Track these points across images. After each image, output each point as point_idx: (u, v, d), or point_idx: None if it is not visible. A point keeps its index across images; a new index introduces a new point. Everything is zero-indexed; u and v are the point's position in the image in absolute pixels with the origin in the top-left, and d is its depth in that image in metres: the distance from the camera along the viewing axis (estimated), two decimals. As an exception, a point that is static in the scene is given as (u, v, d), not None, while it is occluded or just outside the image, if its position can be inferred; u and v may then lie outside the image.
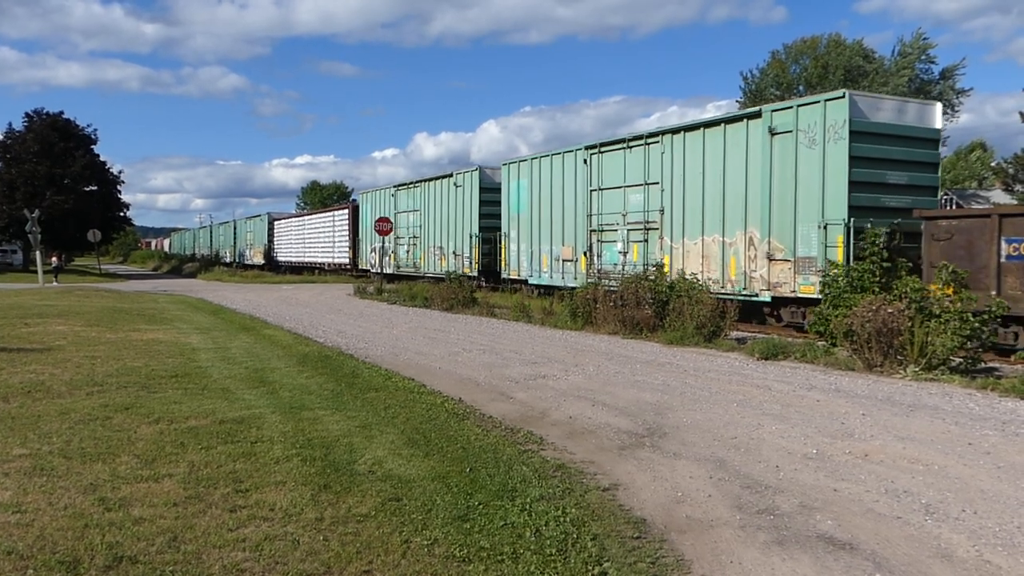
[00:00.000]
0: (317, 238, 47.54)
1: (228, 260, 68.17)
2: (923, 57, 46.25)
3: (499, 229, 25.44)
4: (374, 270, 35.67)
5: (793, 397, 8.73)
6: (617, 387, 9.46)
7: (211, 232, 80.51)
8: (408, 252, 32.83)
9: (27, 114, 54.20)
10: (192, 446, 6.41)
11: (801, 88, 47.92)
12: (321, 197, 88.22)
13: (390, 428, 7.21)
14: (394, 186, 34.52)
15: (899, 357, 10.18)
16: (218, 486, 5.36)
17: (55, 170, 51.18)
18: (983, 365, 10.39)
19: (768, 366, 11.09)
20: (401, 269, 33.26)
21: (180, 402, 8.25)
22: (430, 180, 30.89)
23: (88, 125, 55.57)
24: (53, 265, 42.86)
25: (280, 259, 55.39)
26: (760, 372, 10.54)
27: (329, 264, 45.24)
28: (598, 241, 20.02)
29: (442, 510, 4.93)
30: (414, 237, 32.14)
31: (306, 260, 49.53)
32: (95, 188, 53.69)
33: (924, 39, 46.52)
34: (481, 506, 5.01)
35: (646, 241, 18.22)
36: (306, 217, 52.16)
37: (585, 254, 20.00)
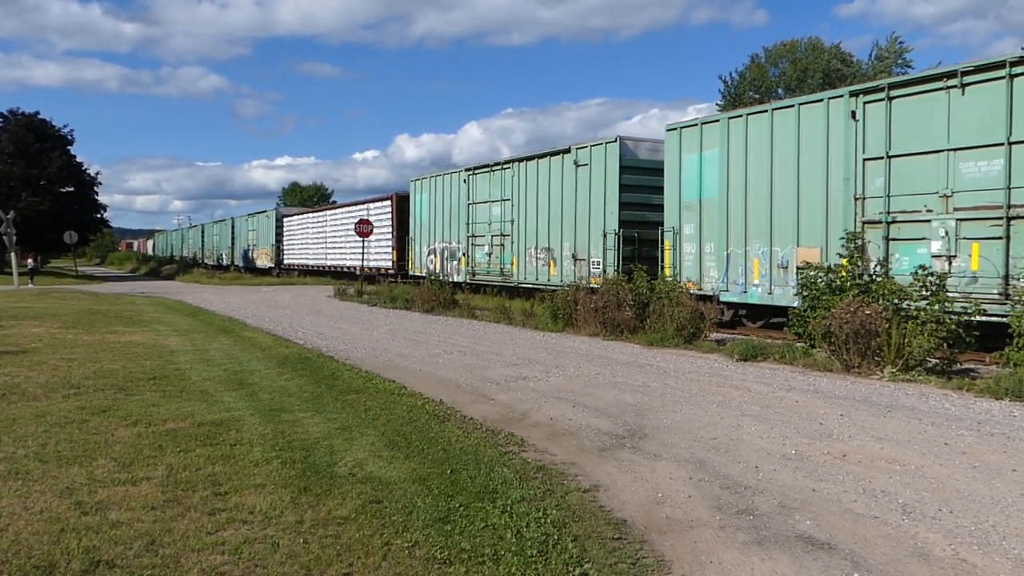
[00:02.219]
0: (344, 237, 38.95)
1: (225, 263, 61.06)
2: (899, 61, 46.82)
3: (649, 223, 18.45)
4: (434, 277, 27.21)
5: (772, 398, 8.79)
6: (598, 388, 9.48)
7: (202, 231, 72.62)
8: (491, 255, 24.61)
9: (2, 114, 53.59)
10: (170, 449, 6.36)
11: (780, 91, 48.30)
12: (301, 198, 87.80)
13: (370, 430, 7.19)
14: (467, 169, 26.12)
15: (876, 358, 10.28)
16: (197, 489, 5.32)
17: (30, 171, 50.62)
18: (959, 366, 10.50)
19: (747, 367, 11.16)
20: (479, 277, 25.40)
21: (158, 405, 8.18)
22: (529, 159, 22.77)
23: (64, 126, 55.12)
24: (29, 267, 42.36)
25: (292, 262, 47.96)
26: (739, 373, 10.60)
27: (362, 268, 37.16)
28: (883, 239, 12.88)
29: (423, 512, 4.92)
30: (501, 235, 23.95)
31: (328, 263, 41.33)
32: (71, 189, 53.14)
33: (900, 43, 47.10)
34: (462, 508, 5.01)
35: (1003, 238, 11.23)
36: (329, 212, 43.01)
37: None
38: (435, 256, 28.48)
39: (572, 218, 20.65)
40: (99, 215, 58.84)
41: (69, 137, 54.89)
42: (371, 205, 36.27)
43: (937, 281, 10.44)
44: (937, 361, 10.15)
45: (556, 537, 4.54)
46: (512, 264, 23.46)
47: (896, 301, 10.54)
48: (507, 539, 4.50)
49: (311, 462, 6.03)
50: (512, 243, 23.55)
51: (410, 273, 30.59)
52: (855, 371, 10.35)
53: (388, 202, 33.97)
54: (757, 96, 48.08)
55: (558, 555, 4.29)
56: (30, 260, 44.04)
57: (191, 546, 4.35)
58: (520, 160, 23.25)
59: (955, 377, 9.77)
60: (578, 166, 20.40)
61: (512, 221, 23.54)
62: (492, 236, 24.60)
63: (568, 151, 20.86)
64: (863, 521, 4.87)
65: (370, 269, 35.60)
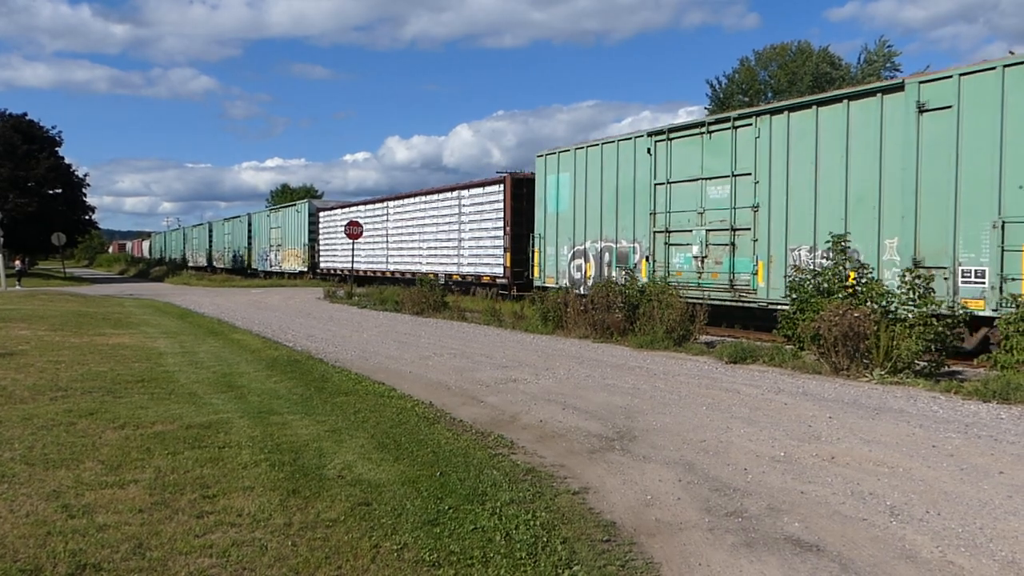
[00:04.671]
0: (419, 235, 30.73)
1: (240, 266, 54.21)
2: (888, 65, 47.07)
3: None
4: (581, 290, 18.61)
5: (761, 400, 8.81)
6: (587, 391, 9.49)
7: (209, 230, 64.80)
8: (705, 259, 16.20)
9: (-11, 115, 53.40)
10: (158, 451, 6.33)
11: (769, 95, 48.48)
12: (290, 200, 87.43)
13: (360, 432, 7.17)
14: (652, 133, 17.73)
15: (865, 361, 10.32)
16: (185, 492, 5.30)
17: (18, 172, 50.42)
18: (947, 368, 10.56)
19: (737, 370, 11.18)
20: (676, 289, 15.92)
21: (146, 407, 8.14)
22: (796, 108, 14.52)
23: (53, 127, 55.25)
24: (16, 269, 42.16)
25: (332, 265, 39.53)
26: (729, 376, 10.62)
27: (451, 275, 27.71)
28: None
29: (412, 515, 4.91)
30: (732, 230, 15.57)
31: (392, 268, 33.03)
32: (60, 191, 52.98)
33: (888, 47, 47.37)
34: (451, 510, 5.00)
35: None
36: (394, 203, 33.55)
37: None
38: (586, 260, 19.95)
39: (908, 199, 12.49)
40: (87, 217, 58.77)
41: (57, 138, 54.88)
42: (465, 192, 27.29)
43: (924, 283, 10.49)
44: (925, 364, 10.20)
45: (545, 539, 4.54)
46: (756, 273, 15.05)
47: (884, 304, 10.59)
48: (496, 541, 4.49)
49: (300, 464, 6.02)
50: (755, 241, 15.20)
51: (537, 283, 21.92)
52: (844, 373, 10.39)
53: (498, 187, 24.92)
54: (746, 100, 48.24)
55: (547, 557, 4.29)
56: (17, 262, 43.84)
57: (179, 549, 4.33)
58: (774, 111, 14.96)
59: (943, 379, 9.81)
60: (924, 111, 12.31)
61: (755, 207, 15.18)
62: (708, 231, 16.22)
63: (899, 88, 12.76)
64: (851, 523, 4.89)
65: (463, 277, 27.23)
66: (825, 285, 11.60)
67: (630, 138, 18.43)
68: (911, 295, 10.43)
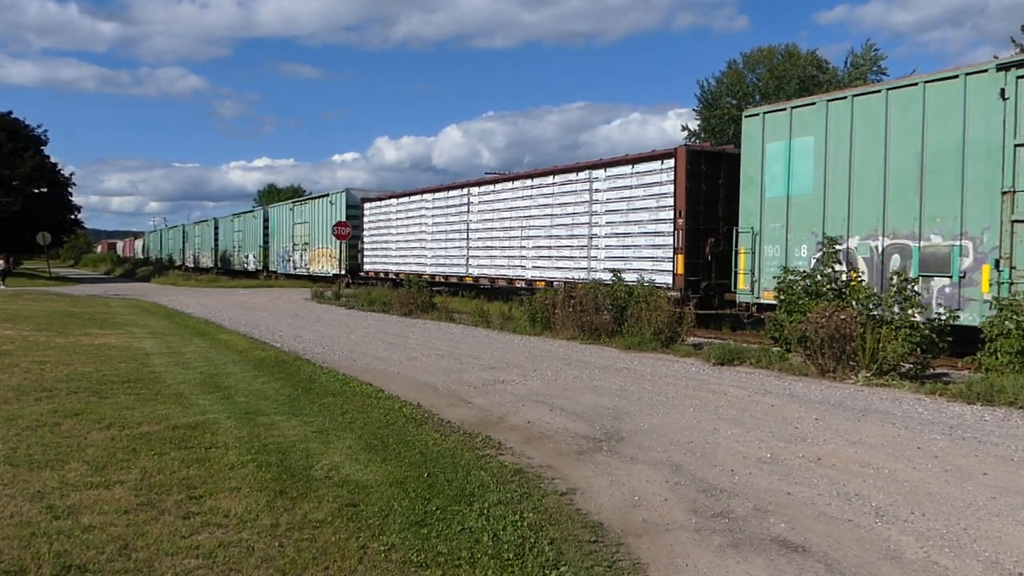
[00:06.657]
0: (521, 230, 22.84)
1: (252, 268, 48.41)
2: (874, 68, 47.29)
3: None
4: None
5: (748, 402, 8.85)
6: (575, 392, 9.50)
7: (215, 227, 57.90)
8: None
9: (-27, 114, 52.95)
10: (144, 452, 6.30)
11: (757, 97, 48.66)
12: (278, 201, 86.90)
13: (347, 433, 7.16)
14: (1009, 63, 11.07)
15: (851, 363, 10.37)
16: (171, 493, 5.28)
17: (2, 171, 49.99)
18: (932, 371, 10.62)
19: (724, 371, 11.22)
20: None
21: (132, 408, 8.10)
22: None
23: (39, 125, 54.65)
24: (0, 268, 41.82)
25: (383, 268, 32.00)
26: (716, 377, 10.66)
27: (576, 285, 17.90)
28: None
29: (399, 515, 4.91)
30: None
31: (473, 273, 25.41)
32: (45, 190, 52.58)
33: (875, 51, 47.61)
34: (439, 511, 5.00)
35: None
36: (476, 189, 25.66)
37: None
38: (850, 265, 12.90)
39: None
40: (73, 216, 58.31)
41: (43, 137, 54.41)
42: (601, 173, 19.70)
43: (911, 287, 10.56)
44: (911, 366, 10.26)
45: (533, 540, 4.54)
46: None
47: (871, 306, 10.65)
48: (484, 542, 4.50)
49: (287, 465, 6.00)
50: None
51: (743, 298, 15.22)
52: (830, 375, 10.44)
53: (661, 163, 17.67)
54: (734, 102, 48.40)
55: (535, 558, 4.29)
56: (1, 261, 43.48)
57: (165, 550, 4.31)
58: None
59: (928, 382, 9.88)
60: None
61: None
62: None
63: None
64: (837, 524, 4.92)
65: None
66: (813, 287, 11.66)
67: (956, 76, 11.66)
68: (897, 298, 10.50)
